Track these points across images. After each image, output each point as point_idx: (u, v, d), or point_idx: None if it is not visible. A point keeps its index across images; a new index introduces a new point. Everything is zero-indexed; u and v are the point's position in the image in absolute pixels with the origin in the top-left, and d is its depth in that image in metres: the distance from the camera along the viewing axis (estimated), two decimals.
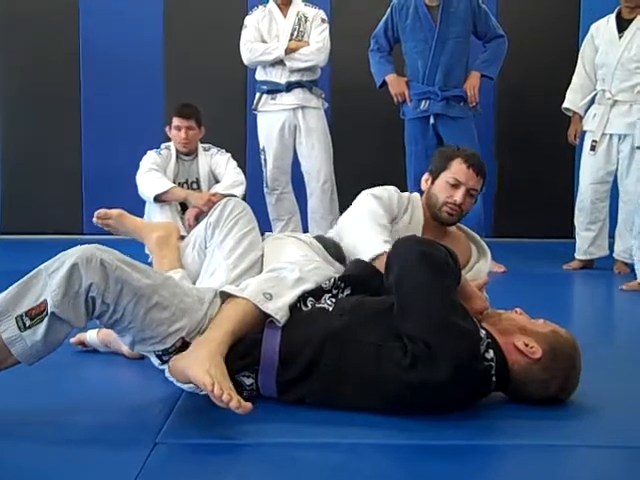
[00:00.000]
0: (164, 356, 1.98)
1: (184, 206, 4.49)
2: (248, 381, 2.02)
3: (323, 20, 4.96)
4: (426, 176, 2.89)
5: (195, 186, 4.61)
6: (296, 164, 5.08)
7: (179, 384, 1.99)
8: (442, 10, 4.65)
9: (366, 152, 5.79)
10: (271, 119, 4.98)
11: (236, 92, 5.79)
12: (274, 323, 2.02)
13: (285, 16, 4.94)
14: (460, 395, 1.94)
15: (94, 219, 2.66)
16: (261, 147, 5.05)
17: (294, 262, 2.23)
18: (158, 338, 1.94)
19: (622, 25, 4.59)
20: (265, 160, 5.03)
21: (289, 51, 4.84)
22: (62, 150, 5.86)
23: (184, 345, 1.96)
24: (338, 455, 1.75)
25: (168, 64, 5.82)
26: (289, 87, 4.91)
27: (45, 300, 1.78)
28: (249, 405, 1.78)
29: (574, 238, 4.85)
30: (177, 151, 4.61)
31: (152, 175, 4.45)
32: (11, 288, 1.82)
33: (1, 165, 5.92)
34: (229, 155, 4.66)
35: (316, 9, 4.99)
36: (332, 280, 2.20)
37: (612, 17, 4.65)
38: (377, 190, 2.81)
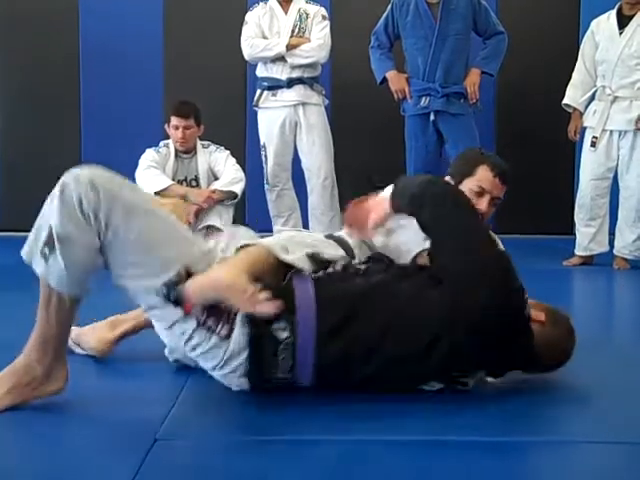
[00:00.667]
0: (170, 295, 1.86)
1: None
2: (284, 334, 1.93)
3: (324, 17, 4.96)
4: (447, 179, 2.68)
5: (194, 183, 4.61)
6: (296, 160, 5.08)
7: (189, 323, 1.92)
8: (442, 7, 4.65)
9: (366, 149, 5.78)
10: (272, 115, 4.97)
11: (236, 89, 5.78)
12: (300, 274, 2.01)
13: (286, 13, 4.94)
14: (496, 333, 1.98)
15: None
16: (262, 143, 5.05)
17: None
18: (156, 266, 1.87)
19: (622, 21, 4.58)
20: (266, 156, 5.02)
21: (290, 47, 4.84)
22: (62, 148, 5.85)
23: (188, 277, 1.88)
24: (341, 451, 1.75)
25: (167, 62, 5.82)
26: (290, 83, 4.91)
27: (50, 225, 1.83)
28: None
29: (574, 234, 4.85)
30: (176, 149, 4.60)
31: (151, 172, 4.44)
32: (32, 231, 1.89)
33: (0, 164, 5.92)
34: (228, 152, 4.66)
35: (317, 6, 4.99)
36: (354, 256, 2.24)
37: (613, 13, 4.64)
38: None
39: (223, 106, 5.71)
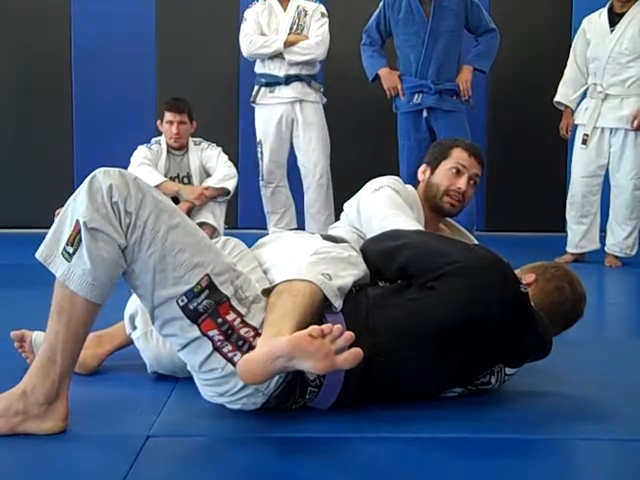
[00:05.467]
0: (190, 304, 1.76)
1: (176, 200, 4.47)
2: (312, 376, 1.84)
3: (323, 14, 4.96)
4: (423, 167, 2.80)
5: (186, 181, 4.61)
6: (292, 158, 5.08)
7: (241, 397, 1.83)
8: (434, 4, 4.65)
9: (359, 146, 5.78)
10: (269, 112, 4.97)
11: (228, 86, 5.77)
12: (331, 308, 1.90)
13: (285, 10, 4.94)
14: (503, 313, 1.93)
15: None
16: (258, 140, 5.05)
17: (334, 246, 2.09)
18: (181, 270, 1.75)
19: (614, 19, 4.59)
20: (262, 153, 5.03)
21: (288, 44, 4.84)
22: (54, 145, 5.83)
23: (211, 287, 1.77)
24: (332, 448, 1.76)
25: (160, 58, 5.80)
26: (288, 80, 4.91)
27: (77, 219, 1.72)
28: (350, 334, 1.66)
29: (566, 232, 4.86)
30: (168, 146, 4.60)
31: (143, 169, 4.43)
32: (50, 231, 1.79)
33: None
34: (220, 149, 4.65)
35: (316, 3, 4.99)
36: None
37: (604, 11, 4.65)
38: (391, 182, 2.69)
39: (216, 103, 5.70)
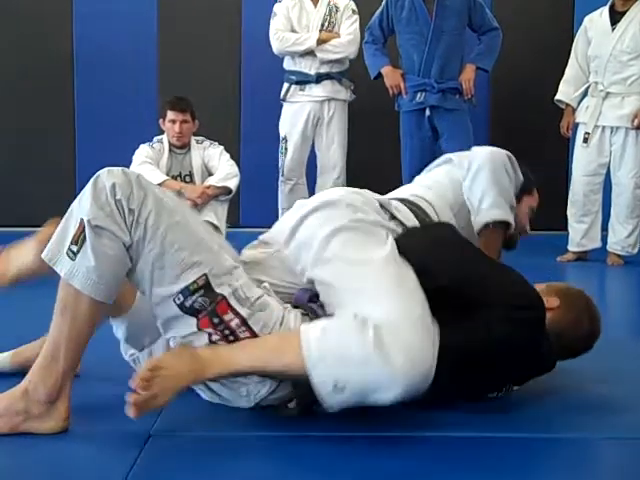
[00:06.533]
0: (186, 301, 1.75)
1: None
2: None
3: (354, 11, 4.97)
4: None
5: (188, 179, 4.61)
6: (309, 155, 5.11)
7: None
8: (438, 3, 4.65)
9: (360, 145, 5.77)
10: (298, 109, 4.99)
11: (230, 85, 5.77)
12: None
13: (316, 6, 4.95)
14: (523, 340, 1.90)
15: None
16: (282, 136, 5.06)
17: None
18: (178, 269, 1.74)
19: (615, 17, 4.60)
20: (285, 149, 5.04)
21: (320, 42, 4.84)
22: (56, 145, 5.84)
23: (208, 287, 1.76)
24: (334, 448, 1.76)
25: (162, 57, 5.80)
26: (318, 79, 4.91)
27: (81, 218, 1.73)
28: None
29: (567, 230, 4.86)
30: (170, 144, 4.60)
31: (145, 168, 4.43)
32: (55, 231, 1.79)
33: None
34: (222, 148, 4.66)
35: (346, 0, 4.98)
36: None
37: (605, 9, 4.65)
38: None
39: (218, 102, 5.70)
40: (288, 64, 5.00)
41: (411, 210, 2.23)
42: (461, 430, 1.86)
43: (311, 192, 5.09)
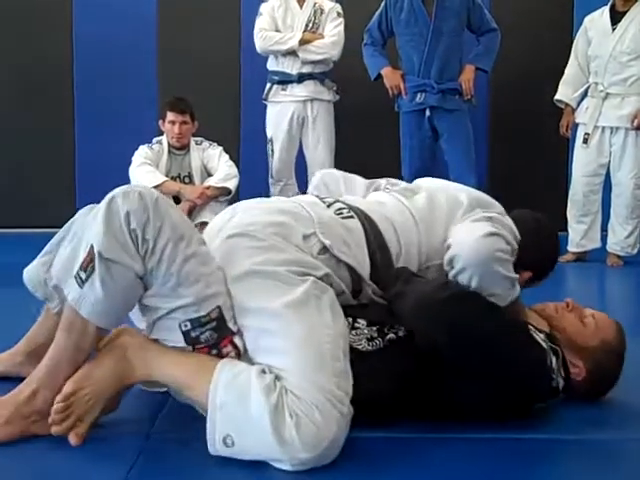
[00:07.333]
0: (192, 331, 1.72)
1: (177, 200, 4.48)
2: None
3: (339, 14, 4.97)
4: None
5: (187, 180, 4.62)
6: (298, 155, 5.09)
7: None
8: (437, 4, 4.65)
9: (360, 145, 5.77)
10: (281, 110, 4.98)
11: (230, 85, 5.77)
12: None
13: (301, 7, 4.95)
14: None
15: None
16: (269, 137, 5.06)
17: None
18: (193, 299, 1.70)
19: (615, 17, 4.59)
20: (272, 151, 5.04)
21: (303, 43, 4.84)
22: (55, 143, 5.84)
23: (220, 320, 1.73)
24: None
25: (161, 58, 5.80)
26: (300, 78, 4.91)
27: (91, 244, 1.66)
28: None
29: (567, 231, 4.86)
30: (169, 145, 4.61)
31: (145, 169, 4.45)
32: (68, 247, 1.76)
33: None
34: (221, 148, 4.66)
35: (332, 2, 4.99)
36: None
37: (606, 10, 4.65)
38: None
39: (218, 102, 5.70)
40: (271, 64, 5.01)
41: (366, 236, 1.98)
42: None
43: (302, 192, 5.09)
